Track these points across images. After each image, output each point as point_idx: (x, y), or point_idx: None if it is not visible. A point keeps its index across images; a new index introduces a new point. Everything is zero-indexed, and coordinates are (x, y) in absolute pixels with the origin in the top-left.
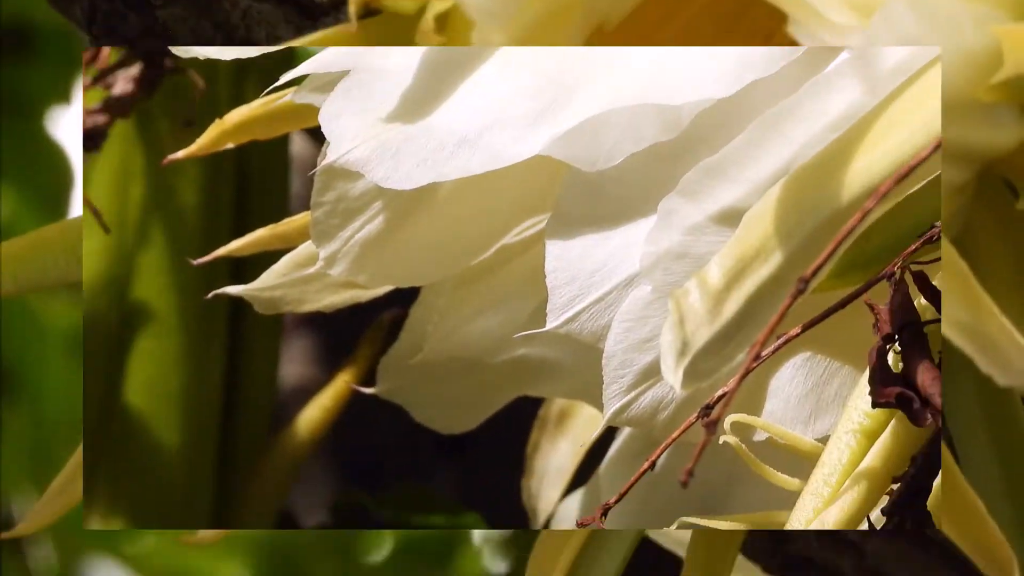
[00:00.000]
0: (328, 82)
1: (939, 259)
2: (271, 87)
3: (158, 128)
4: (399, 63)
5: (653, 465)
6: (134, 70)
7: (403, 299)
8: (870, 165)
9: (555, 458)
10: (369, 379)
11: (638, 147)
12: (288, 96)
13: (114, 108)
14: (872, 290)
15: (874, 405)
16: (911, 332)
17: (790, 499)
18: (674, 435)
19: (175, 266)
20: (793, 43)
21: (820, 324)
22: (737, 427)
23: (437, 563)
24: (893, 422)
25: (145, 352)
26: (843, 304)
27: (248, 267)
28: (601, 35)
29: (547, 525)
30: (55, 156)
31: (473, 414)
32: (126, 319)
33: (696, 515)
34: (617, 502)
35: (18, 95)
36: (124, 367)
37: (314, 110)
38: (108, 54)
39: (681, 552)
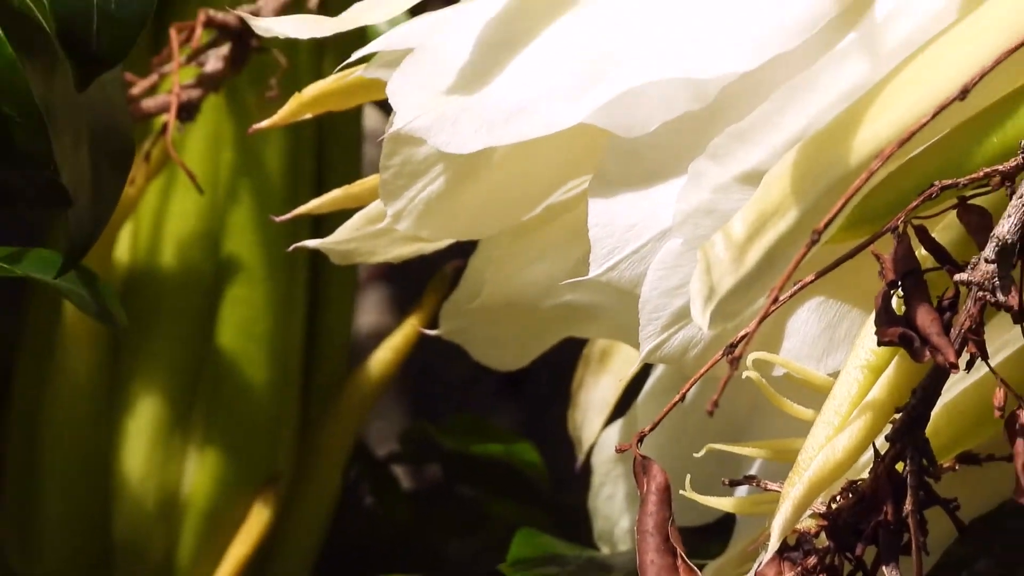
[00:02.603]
0: (395, 59)
1: (937, 214)
2: (344, 63)
3: (245, 101)
4: (458, 41)
5: (684, 397)
6: (224, 49)
7: (463, 251)
8: (877, 132)
9: (598, 392)
10: (434, 323)
11: (671, 116)
12: (360, 71)
13: (206, 84)
14: (879, 242)
15: (879, 344)
16: (912, 279)
17: (804, 428)
18: (702, 370)
19: (262, 223)
20: None
21: (832, 272)
22: (758, 363)
23: None
24: (896, 358)
25: (236, 299)
26: (852, 254)
27: (326, 223)
28: None
29: (590, 452)
30: None
31: (525, 352)
32: (219, 271)
33: (721, 442)
34: (651, 431)
35: None
36: (217, 313)
37: (383, 84)
38: (200, 35)
39: None
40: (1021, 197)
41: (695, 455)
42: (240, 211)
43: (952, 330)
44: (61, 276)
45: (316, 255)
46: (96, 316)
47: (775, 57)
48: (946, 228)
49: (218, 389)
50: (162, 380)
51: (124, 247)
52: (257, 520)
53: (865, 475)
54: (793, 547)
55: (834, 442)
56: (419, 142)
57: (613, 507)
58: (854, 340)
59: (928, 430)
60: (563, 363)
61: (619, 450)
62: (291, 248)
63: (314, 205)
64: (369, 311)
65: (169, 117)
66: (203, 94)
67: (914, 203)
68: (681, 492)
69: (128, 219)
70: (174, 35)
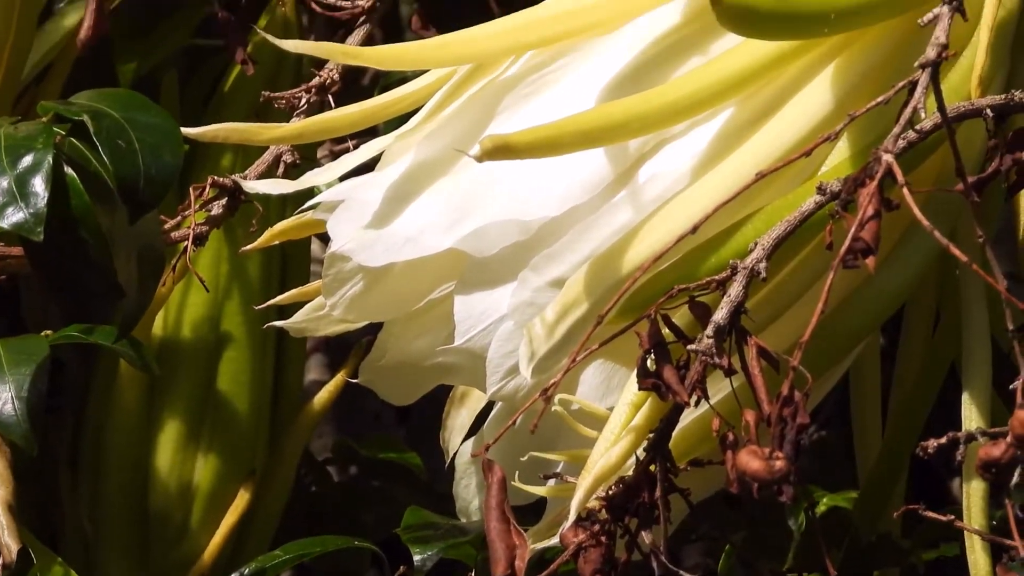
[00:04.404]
0: (332, 207)
1: (677, 307)
2: (300, 209)
3: (236, 233)
4: (371, 197)
5: (515, 423)
6: (223, 201)
7: (374, 329)
8: (638, 253)
9: (459, 419)
10: (355, 375)
11: (507, 243)
12: (309, 215)
13: (212, 222)
14: (639, 324)
15: (640, 389)
16: (660, 348)
17: (591, 443)
18: (526, 405)
19: (246, 311)
20: None
21: (610, 343)
22: (562, 401)
23: None
24: (650, 399)
25: (229, 359)
26: (622, 332)
27: (287, 311)
28: None
29: (454, 457)
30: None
31: (413, 393)
32: (218, 340)
33: (539, 451)
34: (494, 443)
35: None
36: (217, 368)
37: (324, 223)
38: (208, 191)
39: None
40: (729, 297)
41: (521, 459)
42: (232, 303)
43: (685, 381)
44: (118, 342)
45: (281, 332)
46: (140, 368)
47: (573, 207)
48: (682, 316)
49: (218, 416)
50: (182, 410)
51: (159, 325)
52: (241, 500)
53: (630, 473)
54: (584, 518)
55: (610, 452)
56: (347, 259)
57: (469, 492)
58: (623, 387)
59: (670, 444)
60: (438, 400)
61: (473, 455)
62: (265, 326)
63: (280, 299)
64: (313, 369)
65: (188, 243)
66: (210, 229)
67: (661, 299)
68: (512, 483)
69: (161, 307)
70: (192, 192)
